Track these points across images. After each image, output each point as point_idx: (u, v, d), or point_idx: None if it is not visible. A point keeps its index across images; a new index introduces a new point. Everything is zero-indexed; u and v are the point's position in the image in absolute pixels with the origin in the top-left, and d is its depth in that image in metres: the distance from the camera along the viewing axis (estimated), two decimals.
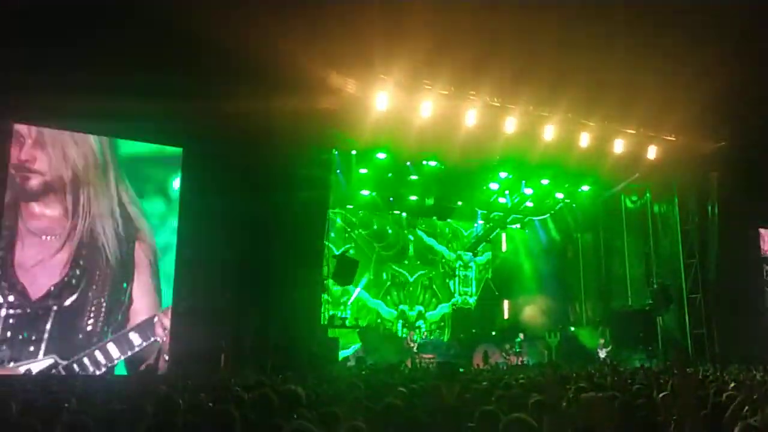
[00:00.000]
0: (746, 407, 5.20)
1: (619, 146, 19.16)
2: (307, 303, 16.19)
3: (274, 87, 13.97)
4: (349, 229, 22.69)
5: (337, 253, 19.60)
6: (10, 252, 12.48)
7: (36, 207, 12.76)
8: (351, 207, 22.24)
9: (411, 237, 24.15)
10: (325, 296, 18.59)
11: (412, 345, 20.38)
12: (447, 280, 24.67)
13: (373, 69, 15.89)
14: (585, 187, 22.29)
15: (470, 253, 24.46)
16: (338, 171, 19.29)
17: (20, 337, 12.21)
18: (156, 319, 14.23)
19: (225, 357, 13.25)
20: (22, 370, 11.81)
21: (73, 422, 4.11)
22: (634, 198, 22.46)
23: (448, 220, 23.85)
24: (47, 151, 13.19)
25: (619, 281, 22.66)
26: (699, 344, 20.07)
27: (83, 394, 6.57)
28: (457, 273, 24.86)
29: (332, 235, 21.09)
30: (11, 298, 12.25)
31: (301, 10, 13.84)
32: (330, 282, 18.50)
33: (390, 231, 23.70)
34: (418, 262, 24.23)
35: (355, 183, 20.43)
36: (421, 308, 23.71)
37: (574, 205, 23.41)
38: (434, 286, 24.28)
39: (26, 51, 12.61)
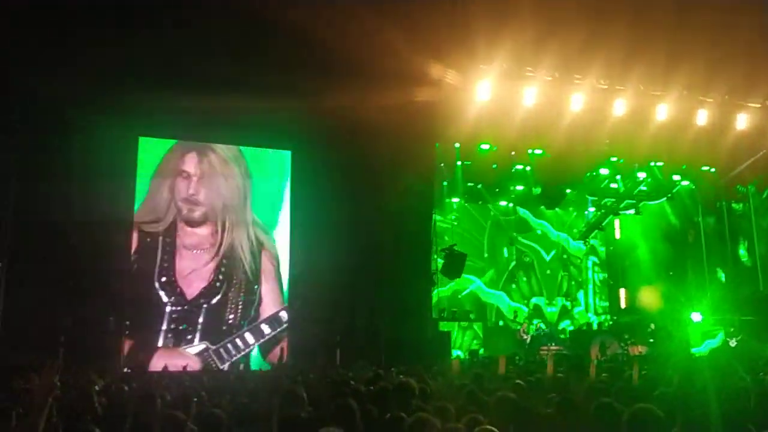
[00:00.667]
0: None
1: (741, 122, 17.93)
2: (417, 297, 16.33)
3: (375, 82, 14.12)
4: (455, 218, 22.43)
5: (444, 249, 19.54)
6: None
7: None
8: (456, 200, 22.10)
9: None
10: (439, 290, 18.58)
11: (525, 337, 20.00)
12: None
13: (474, 58, 15.75)
14: (705, 168, 21.01)
15: (581, 242, 23.65)
16: (441, 164, 19.26)
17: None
18: (281, 314, 16.71)
19: (340, 351, 13.62)
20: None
21: (206, 415, 4.40)
22: (761, 177, 20.91)
23: (557, 210, 23.17)
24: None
25: (748, 265, 21.19)
26: None
27: (213, 389, 6.99)
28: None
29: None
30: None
31: (398, 1, 13.92)
32: (439, 276, 18.52)
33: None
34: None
35: (459, 175, 20.31)
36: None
37: (693, 188, 22.12)
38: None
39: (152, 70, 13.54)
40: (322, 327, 15.25)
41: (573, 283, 23.40)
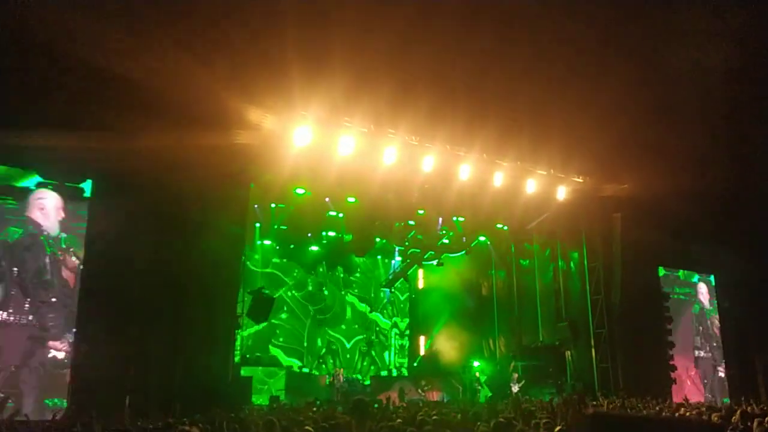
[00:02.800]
0: None
1: (530, 186, 19.92)
2: (220, 341, 15.74)
3: (191, 122, 13.75)
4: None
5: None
6: None
7: None
8: (268, 243, 21.96)
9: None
10: (242, 333, 18.14)
11: (338, 384, 20.10)
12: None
13: (293, 105, 15.93)
14: (499, 226, 22.96)
15: (387, 290, 24.56)
16: (255, 206, 19.08)
17: None
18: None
19: (129, 398, 12.62)
20: None
21: None
22: (545, 237, 23.32)
23: (366, 256, 23.95)
24: None
25: (531, 317, 23.33)
26: (605, 377, 20.84)
27: None
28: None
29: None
30: None
31: (219, 44, 13.76)
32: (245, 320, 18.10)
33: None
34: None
35: (272, 218, 20.25)
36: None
37: (489, 243, 24.04)
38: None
39: None
40: (112, 371, 13.99)
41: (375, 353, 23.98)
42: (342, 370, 21.17)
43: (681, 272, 26.09)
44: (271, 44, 14.03)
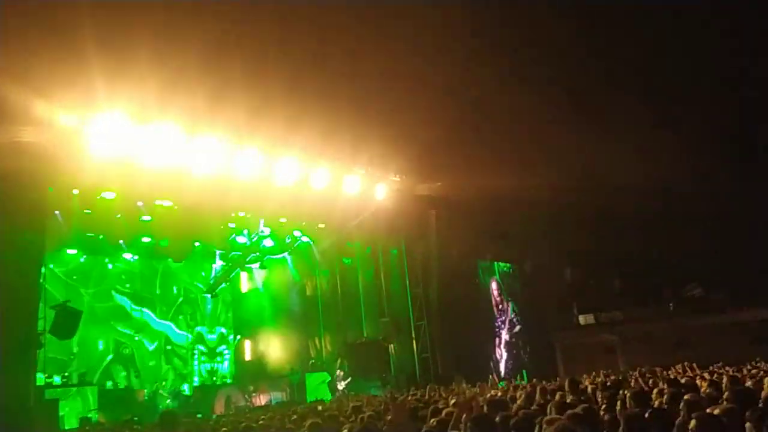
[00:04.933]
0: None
1: (350, 186, 20.29)
2: (17, 362, 14.15)
3: None
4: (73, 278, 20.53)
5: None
6: None
7: None
8: (74, 252, 20.20)
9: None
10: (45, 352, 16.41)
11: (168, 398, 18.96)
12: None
13: (96, 103, 14.76)
14: (321, 225, 23.13)
15: (209, 295, 23.73)
16: (56, 212, 17.43)
17: None
18: None
19: None
20: None
21: None
22: (366, 235, 23.90)
23: (184, 261, 22.92)
24: None
25: (355, 315, 23.81)
26: (426, 367, 21.88)
27: None
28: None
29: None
30: None
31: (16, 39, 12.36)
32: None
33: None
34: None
35: (77, 224, 18.61)
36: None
37: (312, 244, 24.13)
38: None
39: None
40: None
41: (178, 375, 22.57)
42: (165, 383, 20.10)
43: (485, 264, 28.17)
44: (72, 40, 12.90)
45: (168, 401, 19.23)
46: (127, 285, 22.14)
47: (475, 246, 26.02)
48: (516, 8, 20.03)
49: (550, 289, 29.51)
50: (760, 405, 5.04)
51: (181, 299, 23.49)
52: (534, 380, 15.33)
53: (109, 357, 20.96)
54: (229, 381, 22.60)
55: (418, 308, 22.55)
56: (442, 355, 22.11)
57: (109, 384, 20.23)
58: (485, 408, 7.54)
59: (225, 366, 23.52)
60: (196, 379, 22.62)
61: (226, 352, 23.89)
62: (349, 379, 21.61)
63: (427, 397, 11.44)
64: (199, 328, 23.64)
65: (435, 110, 20.13)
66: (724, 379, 7.59)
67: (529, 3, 20.50)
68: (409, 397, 11.70)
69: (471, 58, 20.00)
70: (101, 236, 19.80)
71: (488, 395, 10.40)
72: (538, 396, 8.95)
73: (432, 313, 22.50)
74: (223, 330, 24.18)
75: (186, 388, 21.49)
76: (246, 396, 20.32)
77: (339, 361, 22.66)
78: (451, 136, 21.24)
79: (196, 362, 23.07)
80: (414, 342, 22.19)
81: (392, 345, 22.36)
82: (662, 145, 25.66)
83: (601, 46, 23.81)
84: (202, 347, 23.50)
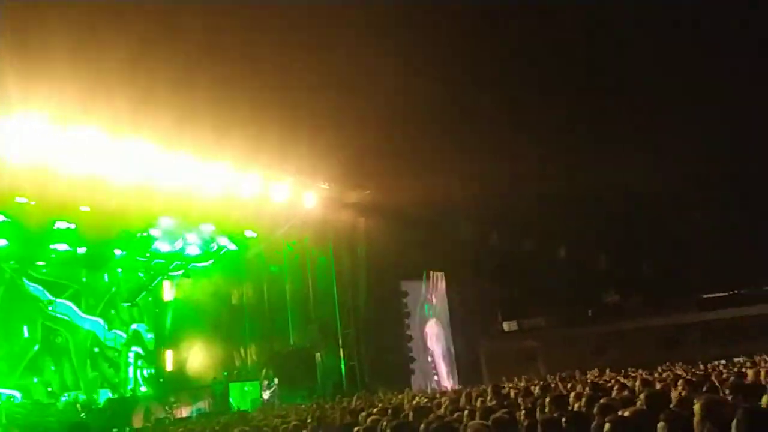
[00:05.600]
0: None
1: (278, 193, 20.12)
2: None
3: None
4: None
5: None
6: None
7: None
8: None
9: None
10: None
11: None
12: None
13: (11, 104, 14.07)
14: (248, 233, 22.78)
15: (128, 304, 22.88)
16: None
17: None
18: None
19: None
20: None
21: None
22: (294, 242, 23.73)
23: (102, 270, 22.01)
24: None
25: (282, 323, 23.55)
26: (352, 375, 21.87)
27: None
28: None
29: None
30: None
31: None
32: None
33: None
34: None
35: None
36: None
37: (238, 251, 23.72)
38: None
39: None
40: None
41: (105, 383, 21.00)
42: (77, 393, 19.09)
43: (414, 270, 28.42)
44: None
45: (82, 415, 18.33)
46: (44, 270, 19.89)
47: (404, 254, 26.25)
48: (448, 15, 20.45)
49: (475, 296, 30.09)
50: (672, 407, 5.30)
51: (114, 289, 22.14)
52: (460, 387, 15.63)
53: (36, 347, 19.39)
54: (147, 391, 21.84)
55: (346, 316, 22.56)
56: (369, 363, 22.18)
57: (35, 381, 18.93)
58: (411, 415, 7.64)
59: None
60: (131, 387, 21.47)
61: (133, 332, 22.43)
62: (274, 388, 21.33)
63: (353, 406, 11.45)
64: (136, 326, 22.57)
65: (363, 118, 20.27)
66: (637, 382, 7.95)
67: (462, 10, 20.96)
68: (336, 407, 11.69)
69: (400, 67, 20.26)
70: (12, 243, 18.79)
71: (414, 402, 10.51)
72: (462, 402, 9.12)
73: (360, 321, 22.55)
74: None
75: (102, 400, 20.57)
76: (167, 408, 19.69)
77: (265, 370, 22.34)
78: (380, 144, 21.44)
79: (131, 368, 21.92)
80: (341, 350, 22.15)
81: (319, 353, 22.24)
82: (585, 152, 26.75)
83: (536, 52, 24.61)
84: (138, 349, 22.35)
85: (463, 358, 29.99)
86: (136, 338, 22.69)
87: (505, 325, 35.05)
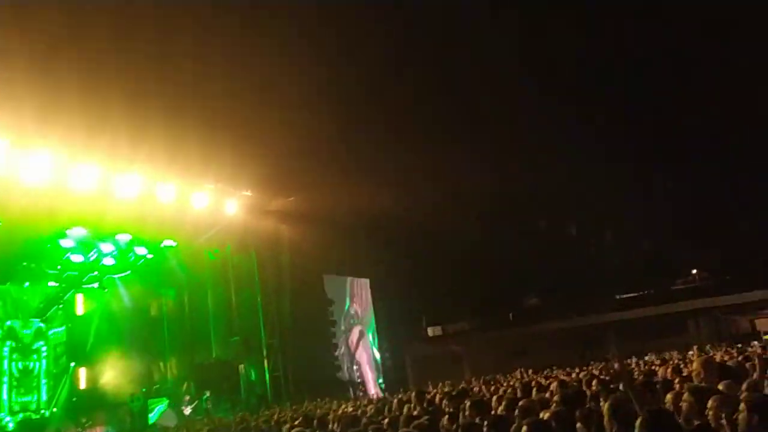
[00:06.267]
0: None
1: (198, 201, 19.60)
2: None
3: None
4: None
5: None
6: None
7: None
8: None
9: None
10: None
11: None
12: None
13: None
14: (167, 242, 22.06)
15: (38, 319, 21.67)
16: None
17: None
18: None
19: None
20: None
21: None
22: (216, 251, 23.16)
23: (8, 283, 20.78)
24: None
25: (204, 334, 22.92)
26: (277, 387, 21.51)
27: None
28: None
29: None
30: None
31: None
32: None
33: None
34: None
35: None
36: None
37: (157, 261, 22.93)
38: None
39: None
40: None
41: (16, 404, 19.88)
42: None
43: (339, 278, 28.38)
44: None
45: None
46: None
47: (328, 261, 26.12)
48: (368, 21, 20.54)
49: (400, 303, 30.30)
50: (588, 405, 5.46)
51: (22, 303, 20.84)
52: (385, 393, 15.63)
53: None
54: (58, 412, 20.67)
55: (270, 326, 22.17)
56: (294, 373, 21.87)
57: None
58: (336, 425, 7.57)
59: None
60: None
61: (43, 349, 21.15)
62: (196, 403, 20.69)
63: (276, 418, 11.25)
64: (46, 342, 21.23)
65: (285, 125, 20.04)
66: (554, 383, 8.16)
67: (385, 16, 21.12)
68: (260, 420, 11.46)
69: (321, 75, 20.19)
70: None
71: (340, 411, 10.43)
72: (387, 409, 9.12)
73: (284, 331, 22.23)
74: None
75: (9, 424, 19.38)
76: (79, 429, 18.77)
77: (186, 384, 21.64)
78: (303, 151, 21.24)
79: (42, 387, 20.61)
80: (266, 361, 21.75)
81: (242, 365, 21.77)
82: (498, 161, 27.48)
83: (447, 66, 25.09)
84: (49, 366, 21.02)
85: (389, 364, 30.10)
86: (46, 354, 21.51)
87: (430, 331, 35.50)
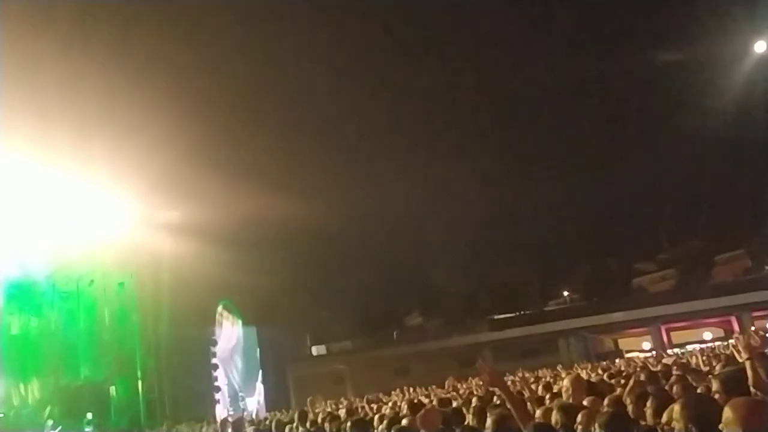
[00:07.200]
0: None
1: (72, 213, 18.51)
2: None
3: None
4: None
5: None
6: None
7: None
8: None
9: None
10: None
11: None
12: None
13: None
14: (36, 256, 20.56)
15: None
16: None
17: None
18: None
19: None
20: None
21: None
22: (91, 267, 21.83)
23: None
24: None
25: (72, 355, 21.44)
26: (152, 408, 20.51)
27: None
28: None
29: None
30: None
31: None
32: None
33: None
34: None
35: None
36: None
37: (22, 276, 21.30)
38: None
39: None
40: None
41: None
42: None
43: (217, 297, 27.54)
44: None
45: None
46: None
47: (212, 277, 25.33)
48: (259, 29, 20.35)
49: (285, 321, 29.93)
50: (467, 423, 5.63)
51: None
52: (267, 413, 15.33)
53: None
54: None
55: (146, 346, 21.14)
56: (171, 394, 20.94)
57: None
58: None
59: None
60: None
61: None
62: (60, 428, 19.24)
63: None
64: None
65: (172, 134, 19.41)
66: (435, 401, 8.35)
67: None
68: None
69: (212, 86, 19.79)
70: None
71: None
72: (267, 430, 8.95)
73: (162, 351, 21.26)
74: None
75: None
76: None
77: (49, 408, 20.09)
78: (190, 163, 20.63)
79: None
80: (140, 382, 20.67)
81: (114, 386, 20.55)
82: (384, 181, 28.00)
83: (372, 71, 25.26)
84: None
85: (271, 383, 29.55)
86: None
87: (314, 350, 35.28)
